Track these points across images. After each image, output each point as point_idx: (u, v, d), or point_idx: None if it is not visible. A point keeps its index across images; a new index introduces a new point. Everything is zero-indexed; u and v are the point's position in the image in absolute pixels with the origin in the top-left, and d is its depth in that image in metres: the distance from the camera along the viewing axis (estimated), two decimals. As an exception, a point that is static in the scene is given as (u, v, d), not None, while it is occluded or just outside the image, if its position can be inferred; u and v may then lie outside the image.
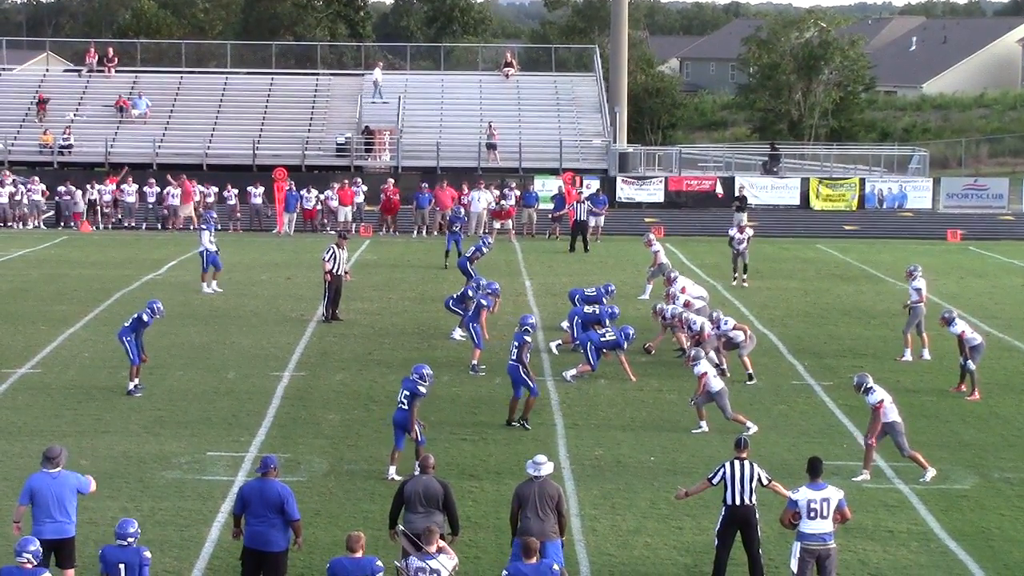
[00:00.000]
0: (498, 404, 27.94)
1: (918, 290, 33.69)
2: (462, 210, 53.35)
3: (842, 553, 19.11)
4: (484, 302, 31.91)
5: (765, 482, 18.85)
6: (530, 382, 26.56)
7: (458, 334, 34.50)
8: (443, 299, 36.50)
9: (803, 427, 27.10)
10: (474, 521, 20.77)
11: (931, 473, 23.62)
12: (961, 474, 24.14)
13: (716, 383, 26.50)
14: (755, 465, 18.88)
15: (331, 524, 21.02)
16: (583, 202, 54.50)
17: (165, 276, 44.91)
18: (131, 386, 28.68)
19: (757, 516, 18.78)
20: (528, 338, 26.78)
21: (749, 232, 43.02)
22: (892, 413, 23.83)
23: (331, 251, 37.09)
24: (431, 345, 34.34)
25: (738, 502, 18.62)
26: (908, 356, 33.32)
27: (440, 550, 16.45)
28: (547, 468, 18.30)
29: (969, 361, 29.46)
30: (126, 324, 29.03)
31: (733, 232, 43.43)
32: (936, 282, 44.49)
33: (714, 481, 18.88)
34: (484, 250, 40.14)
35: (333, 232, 56.59)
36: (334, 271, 36.87)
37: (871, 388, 23.67)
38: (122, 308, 38.64)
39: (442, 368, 31.57)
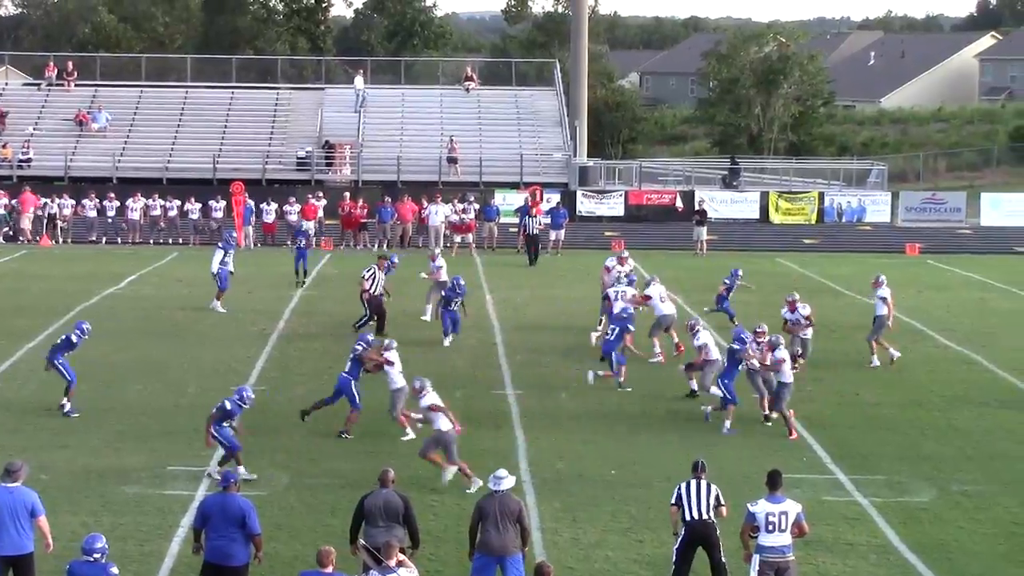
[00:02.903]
0: (460, 418, 27.91)
1: (883, 299, 34.03)
2: (304, 224, 52.62)
3: (801, 565, 19.18)
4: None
5: (719, 503, 18.85)
6: (357, 398, 27.17)
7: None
8: (405, 313, 36.68)
9: (762, 440, 27.17)
10: (435, 535, 20.79)
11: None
12: (920, 487, 24.26)
13: (715, 352, 28.62)
14: (712, 485, 18.91)
15: (292, 538, 20.99)
16: (533, 216, 54.86)
17: (125, 290, 44.77)
18: (67, 406, 28.28)
19: (718, 533, 18.80)
20: (360, 347, 27.54)
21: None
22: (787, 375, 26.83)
23: (371, 271, 37.19)
24: (392, 359, 34.29)
25: (696, 516, 18.60)
26: (876, 362, 34.09)
27: (400, 564, 16.44)
28: (508, 483, 18.33)
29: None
30: (56, 344, 28.83)
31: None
32: (895, 295, 44.70)
33: (673, 502, 18.88)
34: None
35: (293, 247, 56.71)
36: (372, 291, 36.92)
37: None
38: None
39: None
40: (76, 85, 73.35)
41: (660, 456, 25.83)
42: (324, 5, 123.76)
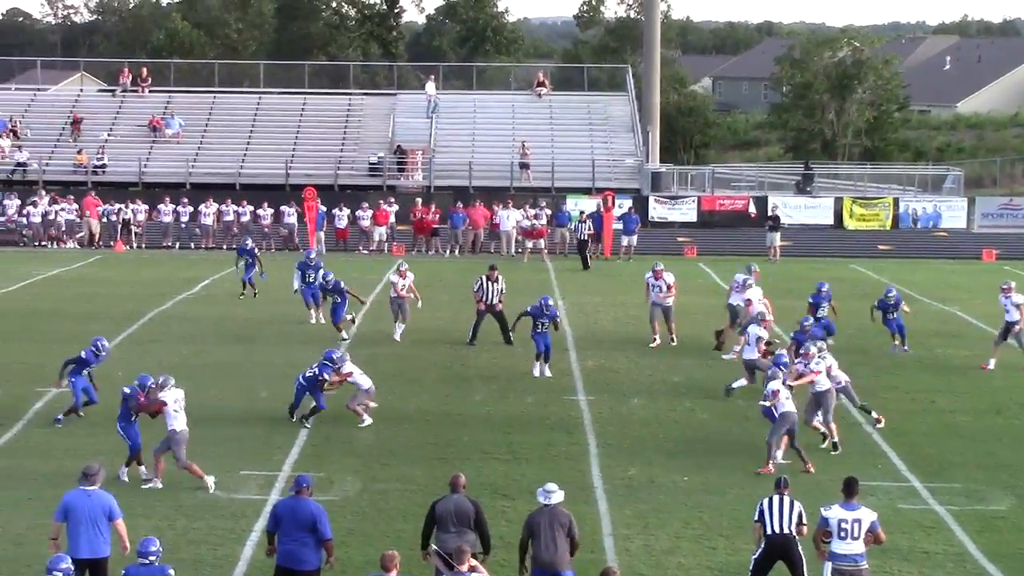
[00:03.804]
0: (531, 424, 27.88)
1: (1018, 305, 33.80)
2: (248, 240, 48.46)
3: (877, 574, 19.00)
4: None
5: (802, 521, 18.45)
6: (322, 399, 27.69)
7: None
8: (475, 318, 36.67)
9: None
10: (507, 540, 20.68)
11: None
12: (997, 495, 23.97)
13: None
14: (796, 502, 18.58)
15: (364, 543, 20.98)
16: (584, 222, 55.07)
17: (198, 295, 44.99)
18: (60, 416, 28.08)
19: (800, 549, 18.42)
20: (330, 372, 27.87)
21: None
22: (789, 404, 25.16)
23: (479, 282, 37.11)
24: (464, 364, 34.32)
25: (776, 530, 18.24)
26: (992, 365, 34.18)
27: (472, 569, 16.40)
28: (557, 496, 18.10)
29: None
30: (69, 360, 28.45)
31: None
32: (972, 302, 44.35)
33: (756, 519, 18.55)
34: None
35: (366, 252, 56.93)
36: (485, 301, 36.86)
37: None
38: (156, 327, 38.85)
39: (474, 387, 31.60)
40: (150, 91, 73.88)
41: (733, 463, 25.64)
42: (396, 11, 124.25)
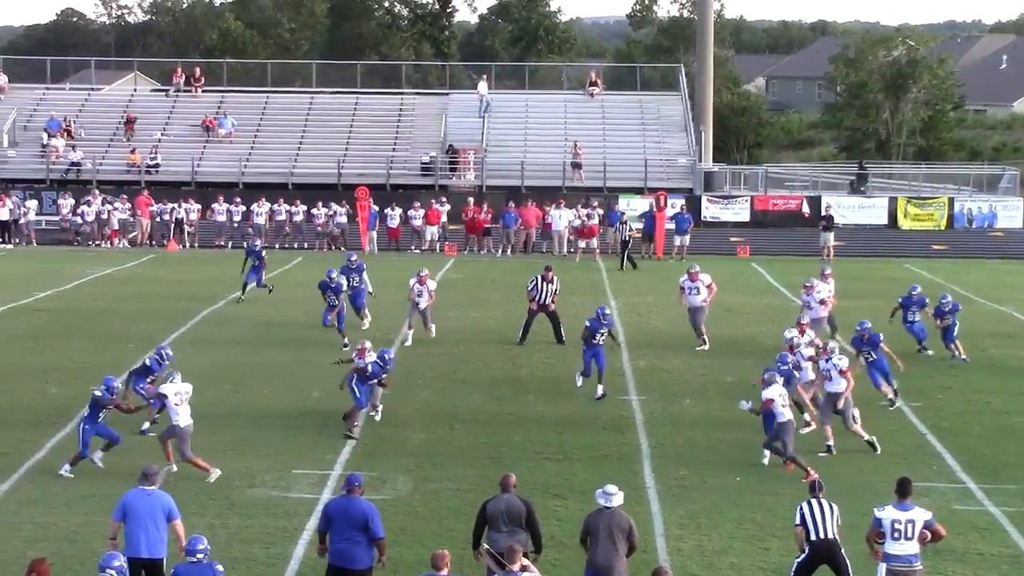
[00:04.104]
0: (583, 424, 27.81)
1: None
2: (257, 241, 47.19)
3: (932, 575, 18.83)
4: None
5: (839, 523, 18.37)
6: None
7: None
8: (526, 317, 36.62)
9: (891, 448, 26.75)
10: (558, 540, 20.63)
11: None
12: (1054, 497, 23.77)
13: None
14: (833, 504, 18.46)
15: (416, 542, 20.96)
16: (624, 223, 54.95)
17: (250, 294, 45.08)
18: (146, 425, 27.37)
19: (843, 552, 18.27)
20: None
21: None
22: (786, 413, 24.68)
23: (534, 282, 37.04)
24: (516, 364, 34.30)
25: (822, 535, 18.08)
26: None
27: (524, 568, 16.35)
28: (618, 499, 17.92)
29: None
30: (135, 369, 28.22)
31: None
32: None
33: (798, 522, 18.41)
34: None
35: (417, 251, 57.02)
36: (538, 300, 36.74)
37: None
38: (208, 327, 38.97)
39: (526, 387, 31.56)
40: (203, 91, 74.23)
41: (781, 462, 25.53)
42: (448, 10, 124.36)
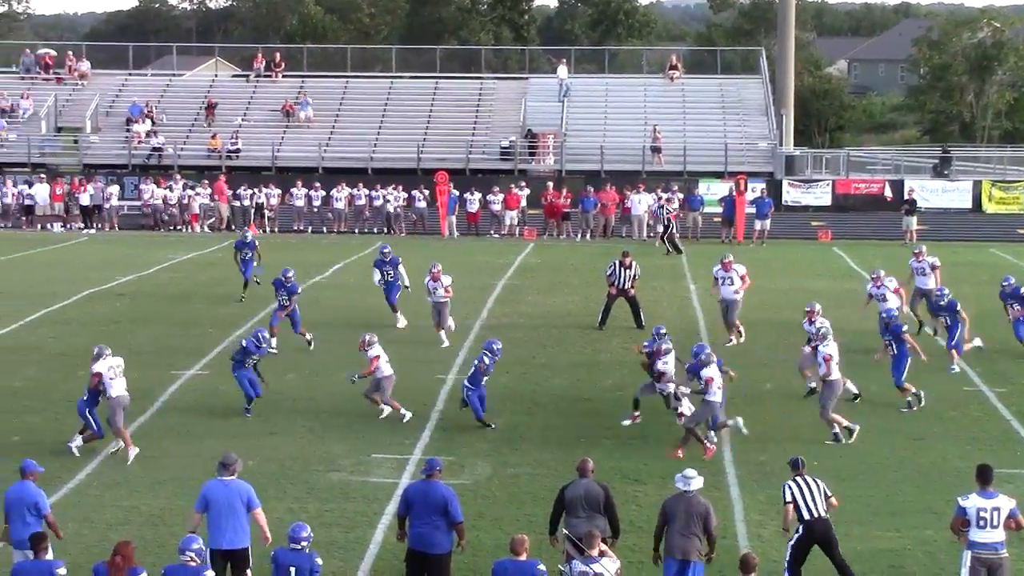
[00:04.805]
0: (662, 408, 27.61)
1: None
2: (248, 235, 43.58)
3: (1016, 563, 18.59)
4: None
5: (829, 495, 18.51)
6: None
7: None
8: (605, 301, 36.45)
9: (975, 434, 26.48)
10: (637, 525, 20.54)
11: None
12: None
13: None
14: (818, 480, 18.56)
15: (494, 527, 20.94)
16: (662, 206, 55.06)
17: (329, 279, 45.23)
18: (246, 408, 27.45)
19: (834, 530, 18.43)
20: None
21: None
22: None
23: (612, 267, 36.87)
24: (595, 348, 34.20)
25: (815, 514, 18.21)
26: None
27: (602, 554, 16.29)
28: (697, 483, 17.85)
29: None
30: (234, 359, 27.83)
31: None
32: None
33: (788, 500, 18.36)
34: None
35: (497, 236, 57.01)
36: (617, 285, 36.58)
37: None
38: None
39: (605, 372, 31.45)
40: (283, 76, 74.48)
41: (864, 447, 25.36)
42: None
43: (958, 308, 31.48)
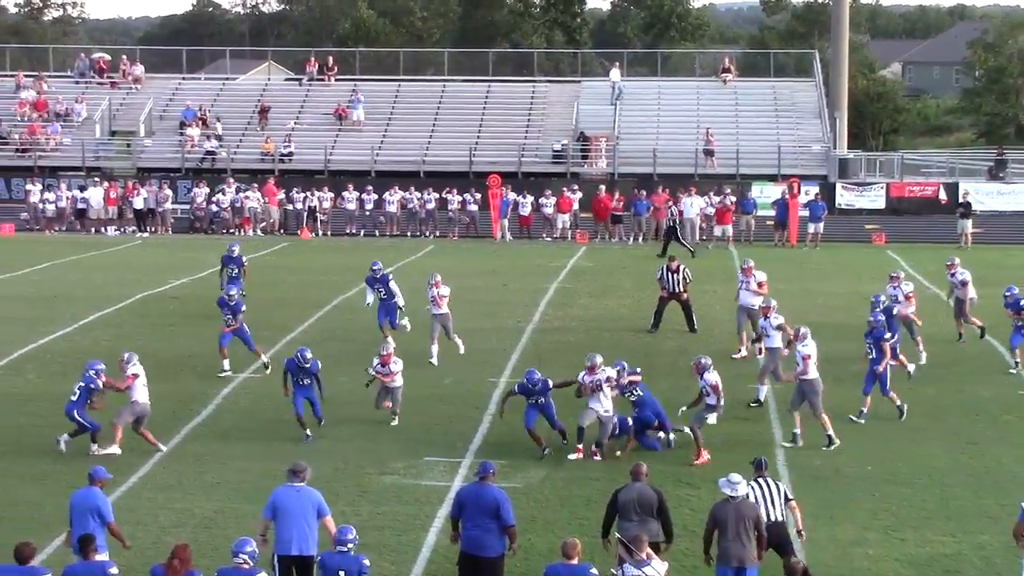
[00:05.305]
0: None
1: None
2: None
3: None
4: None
5: (790, 497, 18.49)
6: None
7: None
8: (657, 304, 36.36)
9: (1031, 438, 26.31)
10: (690, 529, 20.46)
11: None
12: None
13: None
14: (779, 483, 18.53)
15: (546, 531, 20.90)
16: (672, 205, 54.98)
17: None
18: (307, 433, 26.21)
19: (791, 533, 18.40)
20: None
21: None
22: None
23: (661, 271, 36.88)
24: (647, 352, 34.08)
25: (772, 517, 18.06)
26: None
27: (650, 557, 16.25)
28: (743, 488, 17.74)
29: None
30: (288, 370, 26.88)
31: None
32: None
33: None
34: None
35: (549, 239, 56.94)
36: (668, 289, 36.49)
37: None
38: (340, 314, 39.19)
39: (659, 374, 31.33)
40: (336, 80, 74.67)
41: (918, 453, 25.23)
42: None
43: None
